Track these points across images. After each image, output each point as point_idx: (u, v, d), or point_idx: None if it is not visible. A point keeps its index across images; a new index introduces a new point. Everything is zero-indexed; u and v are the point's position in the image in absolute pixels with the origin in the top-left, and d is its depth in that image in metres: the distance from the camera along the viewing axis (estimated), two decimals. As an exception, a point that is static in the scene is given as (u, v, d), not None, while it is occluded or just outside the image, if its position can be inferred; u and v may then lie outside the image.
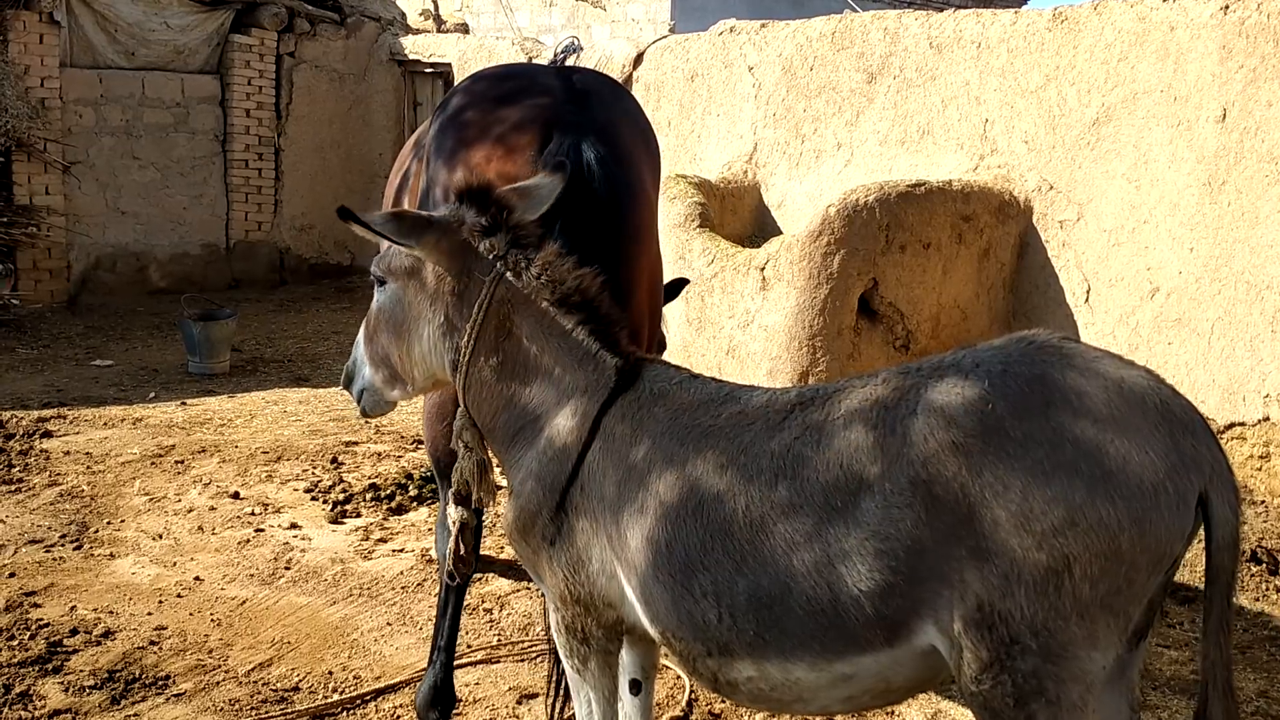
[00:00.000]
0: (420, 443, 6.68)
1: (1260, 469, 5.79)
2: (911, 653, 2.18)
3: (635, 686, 2.81)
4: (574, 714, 2.90)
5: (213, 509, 5.90)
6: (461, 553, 3.01)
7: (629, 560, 2.46)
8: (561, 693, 3.59)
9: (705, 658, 2.37)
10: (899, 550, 2.10)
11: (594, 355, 2.66)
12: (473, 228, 2.75)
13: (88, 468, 6.43)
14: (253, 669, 4.30)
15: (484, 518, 3.04)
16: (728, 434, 2.39)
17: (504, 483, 2.90)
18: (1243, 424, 5.84)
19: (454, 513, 2.98)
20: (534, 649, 4.46)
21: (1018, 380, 2.10)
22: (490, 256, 2.73)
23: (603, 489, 2.53)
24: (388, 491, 6.13)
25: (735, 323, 6.67)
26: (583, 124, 3.38)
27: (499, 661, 4.39)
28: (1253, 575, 5.12)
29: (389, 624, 4.71)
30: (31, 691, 4.06)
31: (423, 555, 5.37)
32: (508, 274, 2.71)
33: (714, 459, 2.37)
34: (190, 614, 4.73)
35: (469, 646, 4.49)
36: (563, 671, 3.61)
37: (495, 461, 2.94)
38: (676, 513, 2.37)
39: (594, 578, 2.58)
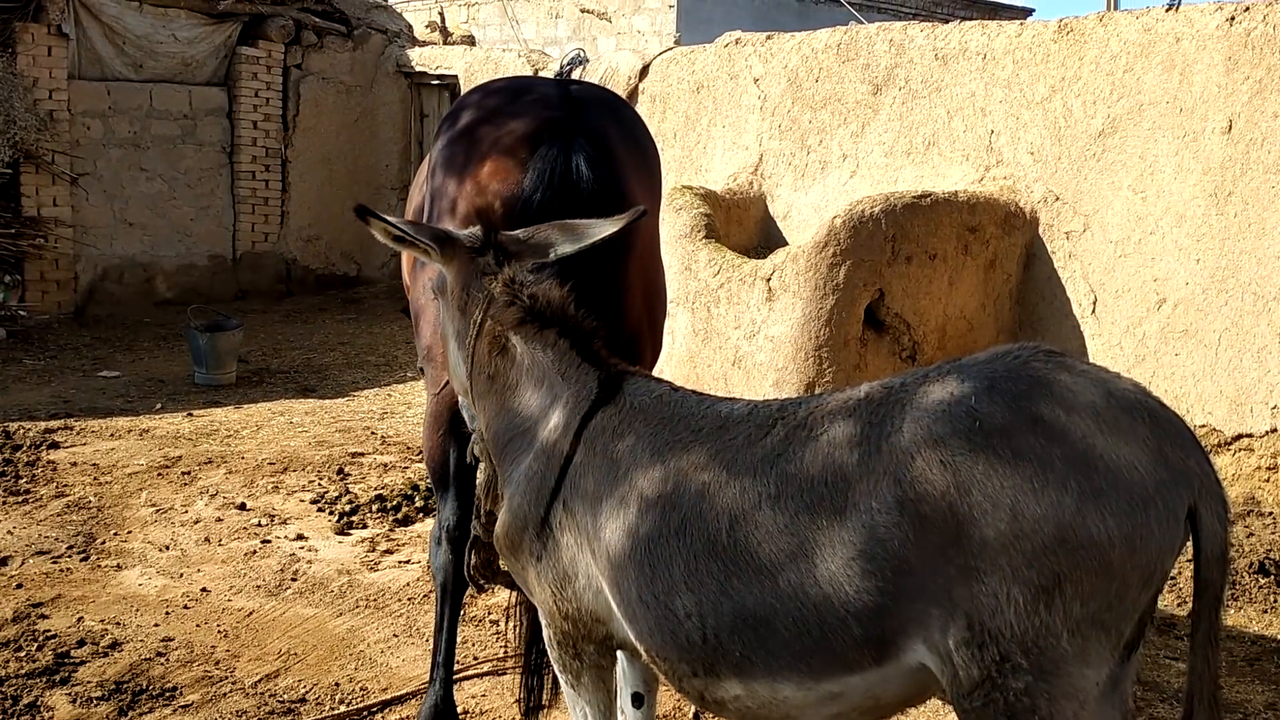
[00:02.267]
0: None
1: (1268, 480, 5.78)
2: (901, 671, 2.15)
3: (637, 700, 2.79)
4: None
5: (219, 520, 5.91)
6: (475, 565, 3.03)
7: (612, 578, 2.43)
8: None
9: (691, 677, 2.35)
10: (886, 570, 2.07)
11: (576, 368, 2.67)
12: (471, 246, 2.82)
13: (94, 479, 6.44)
14: (260, 680, 4.31)
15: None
16: (709, 451, 2.36)
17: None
18: (1250, 435, 5.83)
19: (472, 526, 3.03)
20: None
21: (1004, 395, 2.08)
22: (483, 275, 2.79)
23: (585, 504, 2.51)
24: (394, 503, 6.13)
25: (741, 334, 6.67)
26: (574, 129, 3.43)
27: (505, 673, 4.38)
28: (1261, 587, 5.10)
29: (395, 635, 4.71)
30: (40, 702, 4.06)
31: (428, 567, 5.37)
32: (494, 291, 2.77)
33: (695, 477, 2.34)
34: (197, 625, 4.74)
35: (475, 658, 4.49)
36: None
37: None
38: (658, 531, 2.34)
39: (580, 593, 2.56)
